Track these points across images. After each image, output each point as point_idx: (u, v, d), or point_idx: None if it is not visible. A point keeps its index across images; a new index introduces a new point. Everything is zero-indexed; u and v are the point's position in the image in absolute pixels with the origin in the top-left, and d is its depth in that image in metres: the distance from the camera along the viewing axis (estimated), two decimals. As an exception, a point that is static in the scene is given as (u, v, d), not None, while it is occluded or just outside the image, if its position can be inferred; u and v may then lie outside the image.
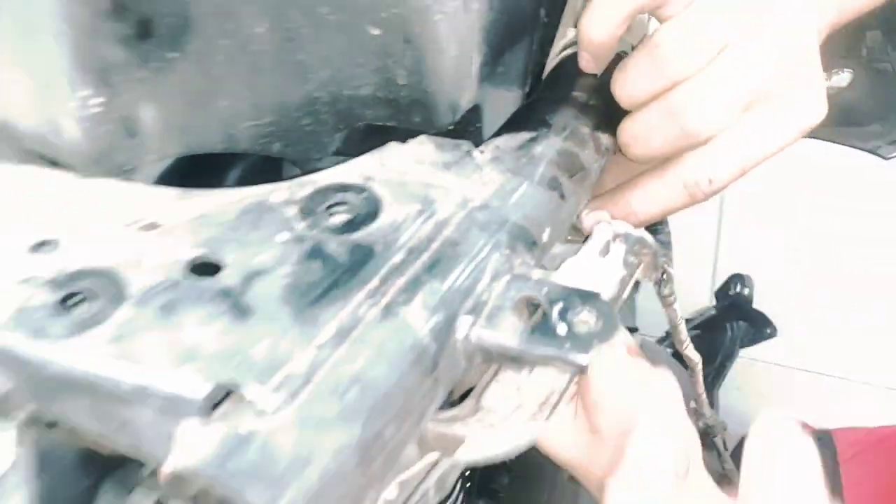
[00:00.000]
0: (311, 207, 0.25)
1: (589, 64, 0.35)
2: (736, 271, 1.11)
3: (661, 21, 0.34)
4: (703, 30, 0.32)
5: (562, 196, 0.29)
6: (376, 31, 0.29)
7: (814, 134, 0.62)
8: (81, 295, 0.22)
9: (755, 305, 1.08)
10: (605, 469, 0.39)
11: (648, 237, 0.30)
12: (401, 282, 0.23)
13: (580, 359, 0.23)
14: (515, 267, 0.26)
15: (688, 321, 1.13)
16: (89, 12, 0.24)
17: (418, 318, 0.23)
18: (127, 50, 0.25)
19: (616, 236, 0.29)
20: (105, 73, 0.25)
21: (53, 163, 0.27)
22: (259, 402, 0.20)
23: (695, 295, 1.25)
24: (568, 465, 0.41)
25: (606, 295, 0.27)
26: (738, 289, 1.05)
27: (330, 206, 0.26)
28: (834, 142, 0.65)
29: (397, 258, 0.24)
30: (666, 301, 0.38)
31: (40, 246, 0.24)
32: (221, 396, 0.20)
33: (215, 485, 0.18)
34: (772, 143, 0.35)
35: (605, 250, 0.29)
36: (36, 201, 0.26)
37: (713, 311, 1.08)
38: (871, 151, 0.59)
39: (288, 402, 0.20)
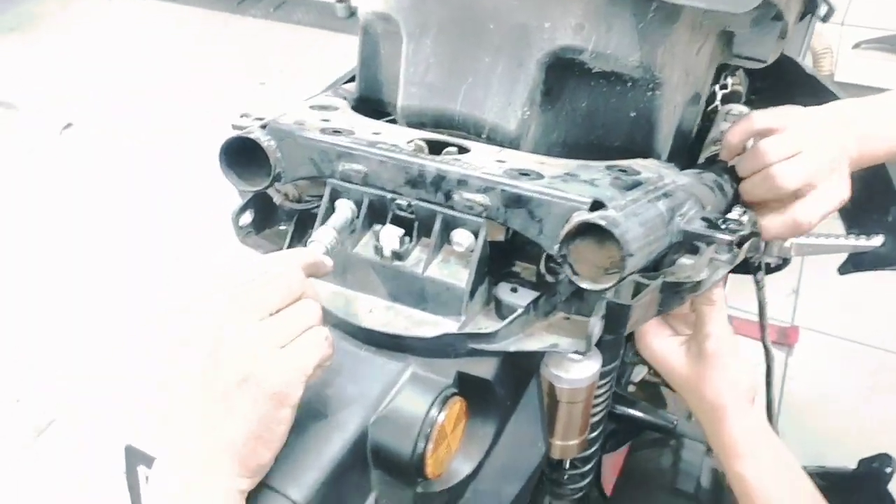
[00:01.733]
0: (610, 168, 0.59)
1: (726, 155, 0.69)
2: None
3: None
4: (786, 142, 0.65)
5: (713, 191, 0.62)
6: (633, 114, 0.64)
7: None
8: (529, 174, 0.55)
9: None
10: (705, 383, 0.67)
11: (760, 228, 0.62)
12: (653, 195, 0.55)
13: (726, 237, 0.54)
14: (695, 208, 0.58)
15: (822, 468, 1.16)
16: None
17: (661, 207, 0.55)
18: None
19: (747, 211, 0.61)
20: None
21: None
22: (609, 209, 0.51)
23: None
24: (679, 383, 0.69)
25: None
26: (881, 465, 1.06)
27: (616, 169, 0.59)
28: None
29: (651, 187, 0.56)
30: (758, 285, 0.68)
31: (501, 162, 0.58)
32: (595, 205, 0.52)
33: (600, 221, 0.49)
34: (822, 210, 0.66)
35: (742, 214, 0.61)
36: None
37: (849, 471, 1.10)
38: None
39: (619, 211, 0.51)
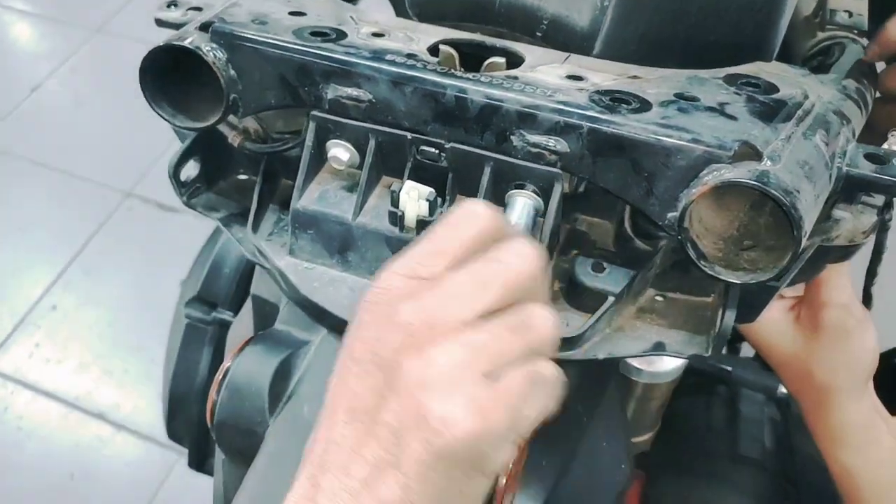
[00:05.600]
0: (732, 81, 0.40)
1: (874, 54, 0.49)
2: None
3: None
4: None
5: (859, 107, 0.44)
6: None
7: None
8: (627, 100, 0.36)
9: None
10: (817, 362, 0.52)
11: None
12: (805, 124, 0.37)
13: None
14: (849, 137, 0.40)
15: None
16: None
17: (819, 144, 0.36)
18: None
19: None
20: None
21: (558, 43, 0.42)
22: (765, 159, 0.33)
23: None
24: (780, 359, 0.54)
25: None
26: None
27: (741, 83, 0.40)
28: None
29: (801, 112, 0.38)
30: (885, 225, 0.51)
31: (577, 79, 0.38)
32: (740, 153, 0.33)
33: (759, 185, 0.31)
34: None
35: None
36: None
37: None
38: None
39: (777, 162, 0.33)
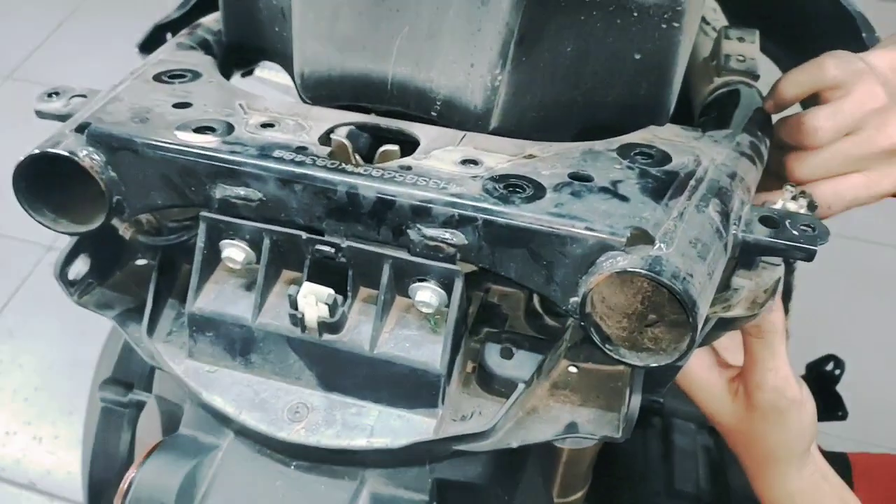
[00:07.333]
0: (625, 153, 0.40)
1: (771, 108, 0.51)
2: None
3: (822, 101, 0.49)
4: (840, 120, 0.48)
5: (754, 163, 0.44)
6: (638, 57, 0.45)
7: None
8: (521, 187, 0.36)
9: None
10: (755, 438, 0.52)
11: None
12: (698, 195, 0.37)
13: (807, 246, 0.37)
14: (744, 199, 0.40)
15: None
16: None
17: (714, 215, 0.37)
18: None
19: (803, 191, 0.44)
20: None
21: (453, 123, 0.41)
22: (657, 243, 0.33)
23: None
24: (722, 429, 0.55)
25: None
26: (830, 368, 1.02)
27: (635, 154, 0.40)
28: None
29: (693, 181, 0.38)
30: (790, 267, 0.53)
31: (472, 164, 0.38)
32: (632, 239, 0.33)
33: (652, 274, 0.31)
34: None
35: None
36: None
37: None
38: None
39: (669, 245, 0.33)
